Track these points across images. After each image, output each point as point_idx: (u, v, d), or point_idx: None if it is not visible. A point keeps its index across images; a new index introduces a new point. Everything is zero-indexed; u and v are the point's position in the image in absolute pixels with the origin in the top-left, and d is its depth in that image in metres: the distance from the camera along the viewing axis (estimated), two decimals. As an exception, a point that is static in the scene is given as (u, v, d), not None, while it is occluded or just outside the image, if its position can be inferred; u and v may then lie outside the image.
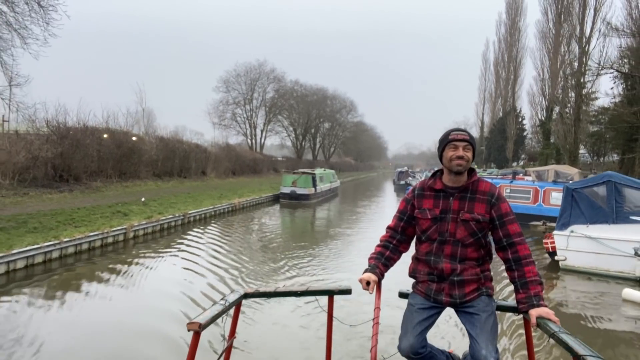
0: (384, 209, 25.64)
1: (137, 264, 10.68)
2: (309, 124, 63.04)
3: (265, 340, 6.28)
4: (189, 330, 2.05)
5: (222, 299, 2.48)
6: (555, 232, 11.18)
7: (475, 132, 67.30)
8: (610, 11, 50.69)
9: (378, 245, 2.82)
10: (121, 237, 12.93)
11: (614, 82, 28.84)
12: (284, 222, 20.46)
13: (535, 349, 2.86)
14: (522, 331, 2.73)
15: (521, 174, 25.10)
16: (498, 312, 2.60)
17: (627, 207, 10.38)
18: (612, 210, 10.41)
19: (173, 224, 15.96)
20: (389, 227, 2.82)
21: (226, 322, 2.62)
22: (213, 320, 2.20)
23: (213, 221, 18.32)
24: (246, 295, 2.71)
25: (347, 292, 2.84)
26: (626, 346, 6.57)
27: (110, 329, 6.64)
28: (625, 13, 27.38)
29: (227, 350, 2.71)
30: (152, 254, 11.74)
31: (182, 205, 18.51)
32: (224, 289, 8.54)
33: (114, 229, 12.57)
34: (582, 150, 38.30)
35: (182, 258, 11.40)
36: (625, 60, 27.62)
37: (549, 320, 2.29)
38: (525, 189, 18.62)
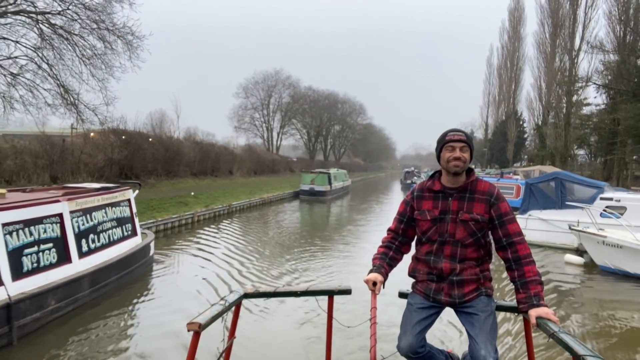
0: (391, 205, 29.02)
1: (210, 235, 14.77)
2: (320, 127, 66.80)
3: (265, 340, 6.43)
4: (188, 331, 2.07)
5: (222, 299, 2.47)
6: (517, 216, 14.96)
7: (480, 134, 70.50)
8: (597, 26, 54.04)
9: (381, 246, 2.82)
10: (190, 220, 17.07)
11: (597, 92, 32.38)
12: (306, 213, 24.44)
13: (535, 349, 2.97)
14: (522, 331, 2.93)
15: (510, 174, 28.83)
16: (498, 312, 2.64)
17: (569, 197, 14.13)
18: (558, 199, 14.17)
19: (222, 212, 20.06)
20: (390, 229, 2.83)
21: (226, 322, 2.63)
22: (213, 320, 2.21)
23: (251, 210, 22.47)
24: (246, 295, 2.70)
25: (347, 292, 2.82)
26: (567, 293, 10.01)
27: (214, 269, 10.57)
28: (606, 31, 31.04)
29: (227, 350, 2.71)
30: (216, 230, 15.78)
31: (224, 198, 22.54)
32: (266, 254, 12.41)
33: (186, 213, 16.70)
34: (581, 152, 41.70)
35: (237, 234, 15.41)
36: (607, 72, 31.10)
37: (549, 320, 2.27)
38: (510, 186, 22.32)
